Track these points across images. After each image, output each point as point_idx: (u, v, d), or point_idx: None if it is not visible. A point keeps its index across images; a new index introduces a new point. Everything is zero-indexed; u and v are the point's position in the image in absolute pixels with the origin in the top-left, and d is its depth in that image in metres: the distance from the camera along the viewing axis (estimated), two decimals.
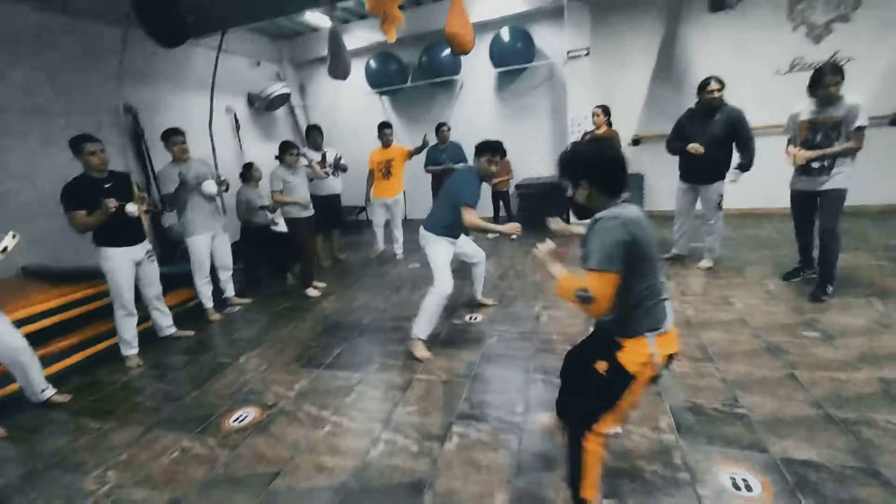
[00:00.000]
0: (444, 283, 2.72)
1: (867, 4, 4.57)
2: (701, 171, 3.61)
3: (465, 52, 4.56)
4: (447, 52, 5.77)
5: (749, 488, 1.56)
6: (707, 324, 2.78)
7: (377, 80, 6.42)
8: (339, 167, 4.75)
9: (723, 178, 3.58)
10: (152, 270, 3.18)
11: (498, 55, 5.72)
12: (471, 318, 3.24)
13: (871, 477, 1.55)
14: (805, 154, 2.88)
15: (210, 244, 3.65)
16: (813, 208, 3.07)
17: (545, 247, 1.51)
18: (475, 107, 6.38)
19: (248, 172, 4.42)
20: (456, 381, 2.44)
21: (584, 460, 1.40)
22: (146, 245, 3.13)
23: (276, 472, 1.89)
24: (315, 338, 3.19)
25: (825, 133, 2.85)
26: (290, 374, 2.69)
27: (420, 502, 1.65)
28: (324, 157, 4.66)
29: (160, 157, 4.28)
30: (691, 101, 3.67)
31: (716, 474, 1.63)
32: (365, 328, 3.27)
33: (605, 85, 5.50)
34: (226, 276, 3.92)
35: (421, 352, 2.71)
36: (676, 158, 3.77)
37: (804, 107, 2.95)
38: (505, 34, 5.58)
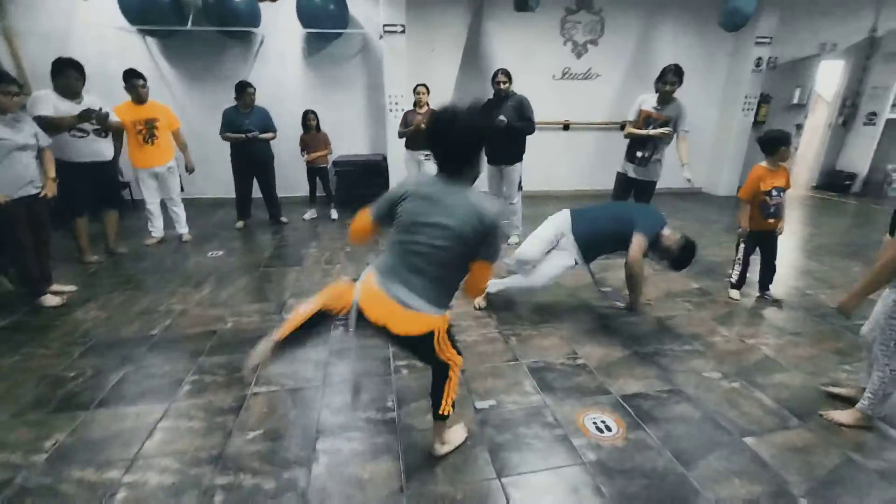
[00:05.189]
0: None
1: (608, 32, 5.91)
2: (502, 155, 4.02)
3: None
4: None
5: (609, 428, 1.75)
6: None
7: (138, 15, 4.84)
8: (105, 125, 3.34)
9: (521, 160, 4.06)
10: None
11: (307, 14, 5.06)
12: None
13: (677, 395, 1.97)
14: (641, 132, 3.31)
15: None
16: (630, 190, 3.56)
17: None
18: (281, 69, 5.54)
19: None
20: (306, 387, 2.02)
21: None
22: None
23: None
24: (70, 365, 2.17)
25: (655, 127, 3.28)
26: (32, 428, 1.74)
27: None
28: (86, 111, 3.17)
29: None
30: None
31: (581, 423, 1.79)
32: (157, 341, 2.41)
33: (421, 66, 5.55)
34: None
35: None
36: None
37: (648, 98, 3.35)
38: None
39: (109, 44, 5.10)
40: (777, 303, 2.92)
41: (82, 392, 1.97)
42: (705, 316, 2.73)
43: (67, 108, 3.13)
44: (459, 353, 1.47)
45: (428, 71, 5.57)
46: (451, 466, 1.57)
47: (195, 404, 1.89)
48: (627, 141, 3.55)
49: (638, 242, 2.34)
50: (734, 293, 3.01)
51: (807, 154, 6.98)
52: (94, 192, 3.45)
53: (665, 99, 3.26)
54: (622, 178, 3.62)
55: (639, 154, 3.40)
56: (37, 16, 5.02)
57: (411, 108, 4.59)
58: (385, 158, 5.67)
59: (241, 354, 2.27)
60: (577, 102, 6.10)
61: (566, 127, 6.17)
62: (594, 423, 1.78)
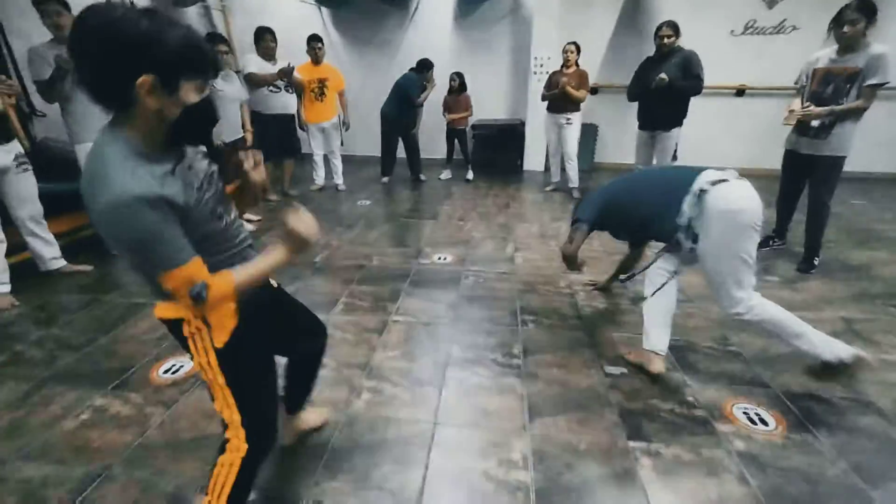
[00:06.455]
0: None
1: None
2: (658, 118, 3.58)
3: None
4: None
5: (764, 422, 1.54)
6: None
7: None
8: (292, 81, 3.99)
9: (680, 124, 3.57)
10: (26, 184, 2.40)
11: None
12: (440, 259, 2.95)
13: (864, 406, 1.62)
14: (806, 113, 2.53)
15: None
16: (804, 172, 2.77)
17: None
18: (431, 34, 5.75)
19: None
20: (439, 323, 2.18)
21: None
22: (15, 147, 2.33)
23: None
24: None
25: (837, 86, 2.49)
26: None
27: (427, 457, 1.41)
28: (285, 69, 3.82)
29: (27, 34, 3.18)
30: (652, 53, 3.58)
31: (729, 410, 1.60)
32: (319, 267, 2.83)
33: (572, 25, 5.21)
34: None
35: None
36: (631, 111, 3.77)
37: (825, 53, 2.57)
38: None
39: (293, 16, 5.86)
40: None
41: None
42: None
43: (267, 68, 3.76)
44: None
45: (580, 31, 5.20)
46: (575, 419, 1.56)
47: (347, 321, 2.19)
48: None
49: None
50: None
51: None
52: (279, 140, 4.10)
53: (848, 45, 2.43)
54: (792, 157, 2.82)
55: (815, 122, 2.57)
56: None
57: (556, 68, 4.38)
58: (523, 123, 5.57)
59: (384, 287, 2.54)
60: (758, 63, 5.12)
61: (740, 93, 5.26)
62: (745, 412, 1.58)
